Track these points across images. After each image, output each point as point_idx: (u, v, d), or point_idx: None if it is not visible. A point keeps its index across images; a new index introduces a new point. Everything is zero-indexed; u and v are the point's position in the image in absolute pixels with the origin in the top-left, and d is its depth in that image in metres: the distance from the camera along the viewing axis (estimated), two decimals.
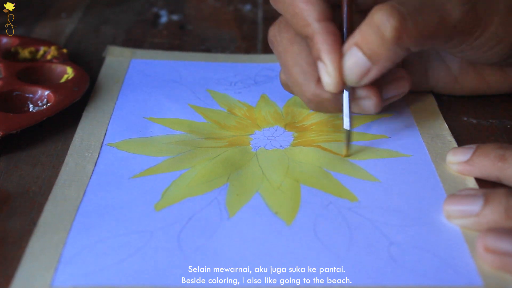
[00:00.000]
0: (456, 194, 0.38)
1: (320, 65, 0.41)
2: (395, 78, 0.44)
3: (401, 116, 0.48)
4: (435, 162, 0.43)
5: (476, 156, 0.40)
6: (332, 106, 0.43)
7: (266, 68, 0.56)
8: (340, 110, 0.43)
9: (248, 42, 0.62)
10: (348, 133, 0.43)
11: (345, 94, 0.42)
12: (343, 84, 0.41)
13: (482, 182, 0.41)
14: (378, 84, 0.43)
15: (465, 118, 0.48)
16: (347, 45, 0.41)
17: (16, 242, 0.36)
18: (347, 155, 0.44)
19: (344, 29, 0.43)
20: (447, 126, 0.47)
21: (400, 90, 0.45)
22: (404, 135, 0.46)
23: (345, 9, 0.43)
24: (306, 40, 0.42)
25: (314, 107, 0.44)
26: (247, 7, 0.70)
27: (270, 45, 0.47)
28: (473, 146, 0.41)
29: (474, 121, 0.48)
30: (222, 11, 0.69)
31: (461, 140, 0.45)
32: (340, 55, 0.41)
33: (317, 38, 0.41)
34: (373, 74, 0.41)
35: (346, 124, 0.43)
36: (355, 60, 0.40)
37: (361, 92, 0.42)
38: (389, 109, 0.49)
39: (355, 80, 0.41)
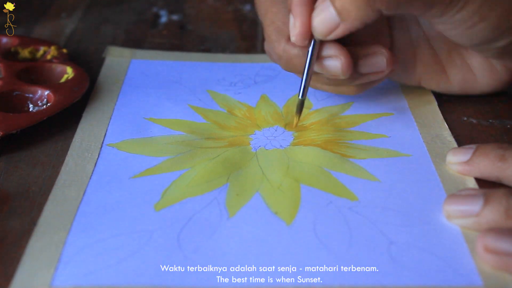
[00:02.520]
0: (456, 194, 0.38)
1: (290, 18, 0.42)
2: (372, 53, 0.44)
3: (401, 116, 0.48)
4: (435, 162, 0.43)
5: (476, 156, 0.40)
6: (300, 63, 0.44)
7: (266, 68, 0.56)
8: (313, 71, 0.44)
9: (248, 42, 0.62)
10: (301, 103, 0.44)
11: (310, 49, 0.43)
12: (308, 37, 0.42)
13: (482, 182, 0.40)
14: (353, 57, 0.43)
15: (465, 118, 0.48)
16: None
17: (16, 242, 0.36)
18: (295, 127, 0.45)
19: None
20: (447, 126, 0.47)
21: (377, 67, 0.44)
22: (404, 135, 0.46)
23: None
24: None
25: (284, 65, 0.45)
26: (247, 7, 0.70)
27: (256, 9, 0.48)
28: (473, 146, 0.41)
29: (474, 121, 0.48)
30: (222, 11, 0.69)
31: (461, 140, 0.45)
32: (310, 9, 0.42)
33: None
34: (341, 30, 0.41)
35: (301, 93, 0.44)
36: (326, 13, 0.41)
37: (329, 50, 0.43)
38: (389, 109, 0.49)
39: (322, 32, 0.42)
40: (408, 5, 0.41)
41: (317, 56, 0.43)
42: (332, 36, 0.42)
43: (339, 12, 0.40)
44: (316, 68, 0.44)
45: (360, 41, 0.45)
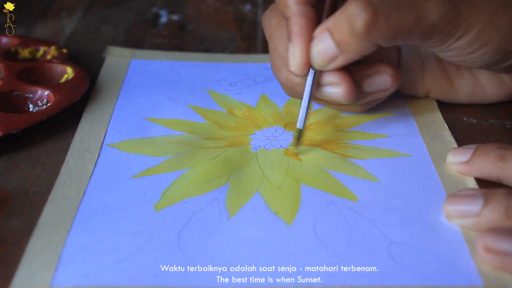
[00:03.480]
0: (456, 194, 0.38)
1: (290, 46, 0.43)
2: (377, 72, 0.44)
3: (401, 116, 0.48)
4: (435, 162, 0.43)
5: (476, 156, 0.40)
6: (302, 91, 0.44)
7: (266, 68, 0.56)
8: (312, 97, 0.44)
9: (248, 42, 0.62)
10: (300, 132, 0.43)
11: (309, 78, 0.43)
12: (308, 67, 0.42)
13: (482, 182, 0.40)
14: (358, 77, 0.44)
15: (465, 118, 0.48)
16: (320, 28, 0.42)
17: (16, 242, 0.36)
18: (295, 154, 0.44)
19: (324, 15, 0.43)
20: (447, 126, 0.47)
21: (381, 85, 0.45)
22: (404, 135, 0.46)
23: None
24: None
25: (287, 91, 0.46)
26: (247, 7, 0.70)
27: (263, 30, 0.48)
28: (473, 146, 0.41)
29: (474, 121, 0.48)
30: (222, 11, 0.69)
31: (461, 140, 0.45)
32: (309, 38, 0.42)
33: (291, 19, 0.42)
34: (339, 62, 0.41)
35: (300, 122, 0.43)
36: (325, 44, 0.41)
37: (330, 77, 0.43)
38: (389, 109, 0.49)
39: (320, 63, 0.42)
40: (405, 38, 0.41)
41: (318, 83, 0.43)
42: (331, 67, 0.42)
43: (337, 44, 0.41)
44: (318, 95, 0.44)
45: (368, 57, 0.44)
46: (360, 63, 0.44)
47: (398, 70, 0.45)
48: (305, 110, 0.43)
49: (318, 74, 0.43)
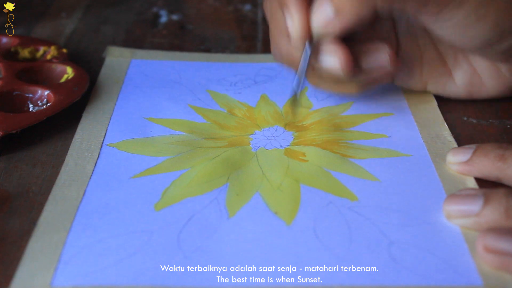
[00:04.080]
0: (456, 194, 0.38)
1: (287, 14, 0.43)
2: (374, 48, 0.45)
3: (401, 116, 0.48)
4: (435, 162, 0.43)
5: (476, 156, 0.40)
6: None
7: (266, 68, 0.56)
8: (311, 68, 0.44)
9: (248, 42, 0.62)
10: (295, 96, 0.44)
11: (306, 47, 0.43)
12: (307, 32, 0.42)
13: (482, 182, 0.40)
14: (355, 52, 0.44)
15: (465, 118, 0.48)
16: None
17: (16, 242, 0.36)
18: (294, 120, 0.45)
19: None
20: (447, 126, 0.47)
21: (380, 62, 0.45)
22: (404, 135, 0.46)
23: None
24: None
25: (288, 65, 0.46)
26: (247, 7, 0.70)
27: (264, 13, 0.48)
28: (473, 146, 0.41)
29: (474, 121, 0.48)
30: (222, 11, 0.69)
31: (461, 140, 0.45)
32: (305, 7, 0.42)
33: None
34: (336, 25, 0.42)
35: (295, 84, 0.43)
36: (323, 10, 0.41)
37: (327, 47, 0.43)
38: (389, 109, 0.49)
39: (318, 27, 0.42)
40: (402, 3, 0.41)
41: (316, 53, 0.43)
42: (328, 31, 0.42)
43: (336, 8, 0.41)
44: (315, 64, 0.44)
45: (367, 38, 0.45)
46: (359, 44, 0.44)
47: (396, 54, 0.45)
48: (301, 72, 0.43)
49: (316, 46, 0.43)
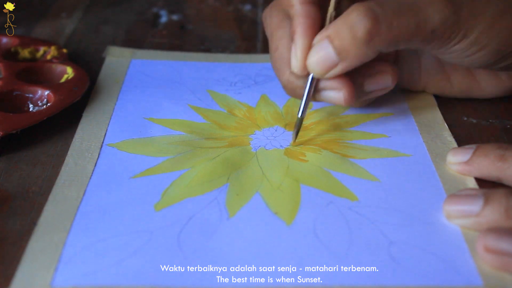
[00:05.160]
0: (456, 194, 0.38)
1: (292, 47, 0.42)
2: (378, 72, 0.44)
3: (401, 116, 0.48)
4: (435, 162, 0.43)
5: (476, 156, 0.40)
6: (303, 93, 0.43)
7: (266, 68, 0.56)
8: (314, 99, 0.44)
9: (248, 42, 0.62)
10: (299, 122, 0.44)
11: (308, 80, 0.42)
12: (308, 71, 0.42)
13: (482, 182, 0.40)
14: (358, 77, 0.43)
15: (465, 118, 0.48)
16: (319, 36, 0.41)
17: (16, 242, 0.36)
18: (295, 144, 0.44)
19: (327, 19, 0.43)
20: (447, 126, 0.47)
21: (382, 84, 0.45)
22: (404, 135, 0.46)
23: None
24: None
25: (288, 93, 0.45)
26: (247, 7, 0.70)
27: (264, 26, 0.47)
28: (473, 146, 0.41)
29: (474, 121, 0.48)
30: (222, 11, 0.69)
31: (461, 140, 0.45)
32: (312, 41, 0.41)
33: (295, 19, 0.42)
34: (339, 69, 0.41)
35: (300, 112, 0.43)
36: (324, 52, 0.41)
37: (330, 83, 0.42)
38: (389, 109, 0.49)
39: (319, 72, 0.41)
40: (406, 43, 0.41)
41: (318, 87, 0.43)
42: (330, 74, 0.42)
43: (338, 52, 0.40)
44: (317, 98, 0.44)
45: None
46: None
47: (396, 67, 0.45)
48: (305, 102, 0.43)
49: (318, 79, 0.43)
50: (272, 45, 0.45)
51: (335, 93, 0.43)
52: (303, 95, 0.43)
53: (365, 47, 0.40)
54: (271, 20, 0.45)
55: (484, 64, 0.44)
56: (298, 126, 0.44)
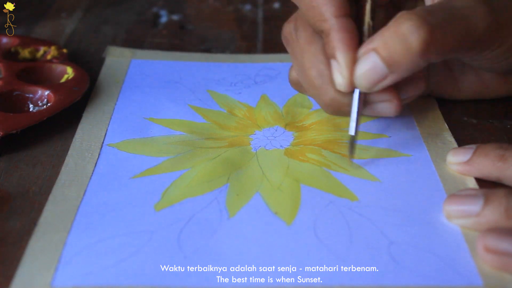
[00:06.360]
0: (456, 194, 0.38)
1: (334, 64, 0.40)
2: (414, 78, 0.42)
3: (401, 116, 0.48)
4: (435, 162, 0.43)
5: (476, 156, 0.40)
6: (348, 110, 0.41)
7: (266, 68, 0.56)
8: (363, 114, 0.42)
9: (248, 42, 0.62)
10: (352, 139, 0.42)
11: (355, 95, 0.40)
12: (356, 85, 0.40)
13: (482, 182, 0.40)
14: (397, 85, 0.41)
15: (465, 118, 0.48)
16: (364, 49, 0.39)
17: (16, 242, 0.36)
18: (351, 161, 0.43)
19: (365, 29, 0.41)
20: (447, 126, 0.47)
21: (418, 91, 0.43)
22: (404, 135, 0.46)
23: (367, 7, 0.41)
24: (321, 36, 0.41)
25: (331, 112, 0.42)
26: (247, 7, 0.70)
27: (284, 42, 0.45)
28: (473, 146, 0.41)
29: (474, 121, 0.48)
30: (222, 11, 0.69)
31: (461, 140, 0.45)
32: (355, 54, 0.39)
33: (332, 35, 0.39)
34: (388, 81, 0.39)
35: (352, 130, 0.41)
36: (372, 65, 0.38)
37: (380, 96, 0.41)
38: None
39: (367, 86, 0.39)
40: (455, 52, 0.40)
41: (368, 101, 0.41)
42: (378, 88, 0.39)
43: (388, 65, 0.38)
44: (366, 112, 0.42)
45: None
46: None
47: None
48: (352, 138, 0.41)
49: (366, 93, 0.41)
50: (305, 63, 0.42)
51: (386, 105, 0.41)
52: (352, 112, 0.41)
53: (419, 58, 0.38)
54: (298, 35, 0.43)
55: (508, 68, 0.44)
56: (352, 145, 0.42)
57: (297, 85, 0.46)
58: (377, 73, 0.39)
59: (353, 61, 0.39)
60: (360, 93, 0.40)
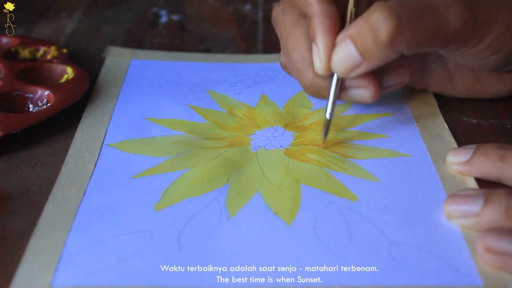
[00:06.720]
0: (456, 194, 0.38)
1: (314, 48, 0.41)
2: (397, 66, 0.44)
3: (401, 116, 0.48)
4: (435, 162, 0.43)
5: (476, 156, 0.40)
6: (327, 93, 0.43)
7: (266, 68, 0.56)
8: (340, 98, 0.43)
9: (248, 42, 0.62)
10: (328, 123, 0.43)
11: (334, 80, 0.42)
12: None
13: (482, 182, 0.40)
14: (378, 72, 0.43)
15: (465, 118, 0.48)
16: (341, 35, 0.41)
17: (16, 242, 0.36)
18: (325, 146, 0.44)
19: (348, 17, 0.42)
20: (447, 126, 0.47)
21: (401, 79, 0.45)
22: (404, 135, 0.46)
23: None
24: (306, 20, 0.42)
25: (311, 94, 0.44)
26: (247, 7, 0.70)
27: (273, 25, 0.46)
28: (473, 146, 0.41)
29: (474, 121, 0.48)
30: (222, 11, 0.69)
31: (461, 140, 0.45)
32: (334, 40, 0.41)
33: (314, 19, 0.41)
34: (362, 69, 0.41)
35: (328, 113, 0.43)
36: (347, 52, 0.40)
37: (357, 81, 0.42)
38: (389, 109, 0.49)
39: (342, 72, 0.41)
40: (427, 46, 0.41)
41: (344, 86, 0.43)
42: (353, 74, 0.41)
43: (361, 53, 0.40)
44: (343, 97, 0.43)
45: None
46: None
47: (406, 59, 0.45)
48: (328, 122, 0.43)
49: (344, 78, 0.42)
50: (289, 45, 0.44)
51: (362, 91, 0.42)
52: (330, 96, 0.43)
53: (387, 49, 0.40)
54: (284, 18, 0.44)
55: (494, 67, 0.45)
56: (327, 128, 0.44)
57: (285, 68, 0.47)
58: (352, 60, 0.40)
59: (331, 47, 0.41)
60: (338, 78, 0.42)
